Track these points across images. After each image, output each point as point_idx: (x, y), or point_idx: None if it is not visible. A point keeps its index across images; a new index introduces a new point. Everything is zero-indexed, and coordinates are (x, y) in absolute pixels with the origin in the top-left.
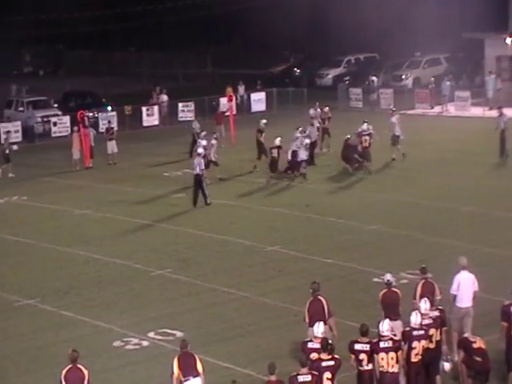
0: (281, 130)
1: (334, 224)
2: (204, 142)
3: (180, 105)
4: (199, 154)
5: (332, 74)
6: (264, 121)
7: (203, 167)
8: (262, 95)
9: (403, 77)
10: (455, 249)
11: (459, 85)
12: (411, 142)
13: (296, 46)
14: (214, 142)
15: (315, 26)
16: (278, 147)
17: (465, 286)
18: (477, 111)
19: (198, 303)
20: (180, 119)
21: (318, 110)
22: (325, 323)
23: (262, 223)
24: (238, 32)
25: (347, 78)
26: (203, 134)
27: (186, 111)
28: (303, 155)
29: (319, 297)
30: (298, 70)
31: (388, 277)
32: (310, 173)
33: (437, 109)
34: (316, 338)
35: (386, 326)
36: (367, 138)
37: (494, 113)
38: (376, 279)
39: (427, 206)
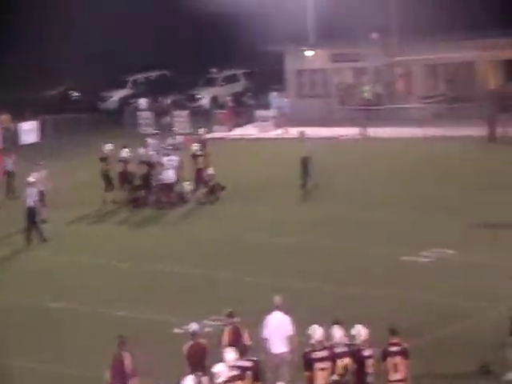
0: (55, 164)
1: (123, 269)
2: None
3: None
4: (30, 183)
5: (117, 96)
6: (109, 146)
7: (36, 198)
8: (33, 124)
9: (199, 96)
10: (266, 286)
11: (260, 103)
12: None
13: (73, 66)
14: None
15: (95, 44)
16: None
17: (277, 329)
18: (280, 131)
19: None
20: None
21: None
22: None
23: (36, 274)
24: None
25: (134, 100)
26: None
27: None
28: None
29: (123, 352)
30: (77, 93)
31: (194, 327)
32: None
33: (238, 131)
34: None
35: None
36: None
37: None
38: (177, 330)
39: (231, 240)
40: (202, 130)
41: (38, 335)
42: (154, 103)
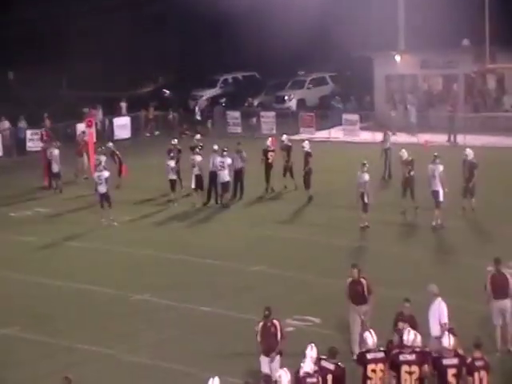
0: (147, 159)
1: (212, 266)
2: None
3: (29, 132)
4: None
5: (206, 95)
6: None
7: None
8: (126, 120)
9: (286, 98)
10: None
11: (347, 107)
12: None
13: (166, 64)
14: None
15: (188, 43)
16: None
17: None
18: (366, 136)
19: (53, 366)
20: (29, 149)
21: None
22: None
23: (127, 268)
24: (98, 48)
25: (224, 99)
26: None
27: (35, 140)
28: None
29: (274, 320)
30: (168, 92)
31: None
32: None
33: (323, 134)
34: None
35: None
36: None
37: None
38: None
39: (314, 243)
40: (284, 137)
41: (120, 324)
42: (242, 104)
